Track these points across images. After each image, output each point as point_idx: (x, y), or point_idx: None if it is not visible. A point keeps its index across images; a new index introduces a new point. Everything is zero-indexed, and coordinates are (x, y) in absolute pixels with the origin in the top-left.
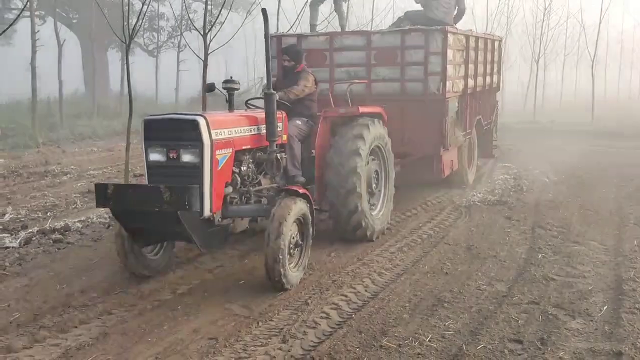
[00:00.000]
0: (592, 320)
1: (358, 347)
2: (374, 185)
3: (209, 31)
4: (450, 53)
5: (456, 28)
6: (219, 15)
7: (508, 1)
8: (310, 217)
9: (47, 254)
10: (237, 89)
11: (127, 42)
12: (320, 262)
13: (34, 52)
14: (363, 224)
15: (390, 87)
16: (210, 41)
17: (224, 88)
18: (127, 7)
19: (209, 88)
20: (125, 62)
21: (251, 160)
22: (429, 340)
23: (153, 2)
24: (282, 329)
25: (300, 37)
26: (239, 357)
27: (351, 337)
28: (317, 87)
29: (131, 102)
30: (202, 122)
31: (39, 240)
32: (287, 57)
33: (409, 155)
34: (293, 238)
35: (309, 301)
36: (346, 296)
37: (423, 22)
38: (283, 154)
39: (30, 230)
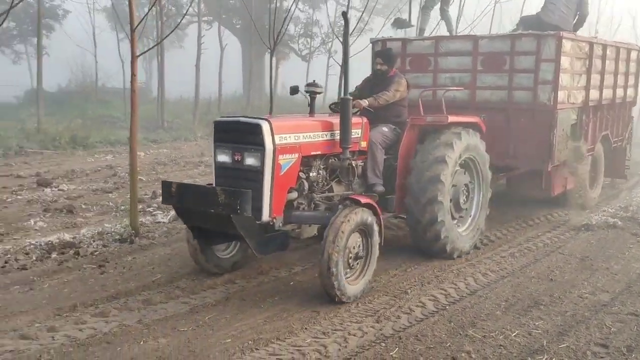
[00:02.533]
0: None
1: (444, 334)
2: (462, 200)
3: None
4: (565, 60)
5: (574, 34)
6: (358, 21)
7: None
8: (375, 229)
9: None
10: (320, 93)
11: (272, 47)
12: (426, 258)
13: (199, 54)
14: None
15: (497, 95)
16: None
17: (306, 91)
18: (274, 15)
19: (292, 91)
20: (270, 65)
21: (323, 167)
22: (514, 335)
23: (309, 9)
24: (378, 311)
25: (405, 41)
26: (335, 329)
27: (440, 324)
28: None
29: (272, 102)
30: (265, 126)
31: None
32: (380, 59)
33: (514, 169)
34: (353, 249)
35: (409, 291)
36: (445, 290)
37: (538, 28)
38: (359, 162)
39: None
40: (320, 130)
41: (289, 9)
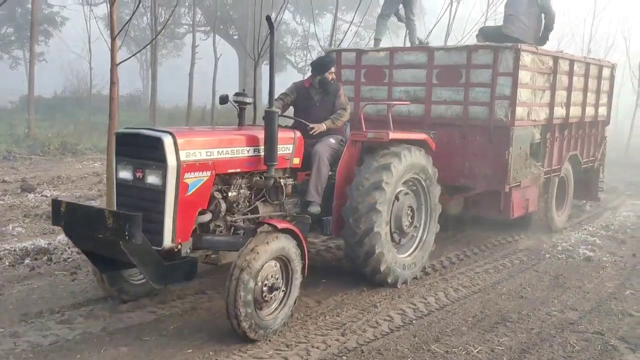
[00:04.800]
0: None
1: (407, 348)
2: (405, 224)
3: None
4: (525, 75)
5: (536, 47)
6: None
7: None
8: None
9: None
10: (249, 103)
11: (256, 58)
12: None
13: (192, 63)
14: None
15: (452, 110)
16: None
17: (235, 101)
18: (259, 26)
19: (221, 100)
20: (254, 75)
21: (246, 185)
22: (477, 352)
23: (306, 22)
24: (345, 324)
25: (359, 52)
26: (299, 342)
27: (405, 339)
28: None
29: (255, 113)
30: (167, 140)
31: None
32: (328, 69)
33: (470, 189)
34: (268, 280)
35: (378, 304)
36: (415, 305)
37: (499, 41)
38: (289, 180)
39: None
40: (241, 145)
41: (279, 21)
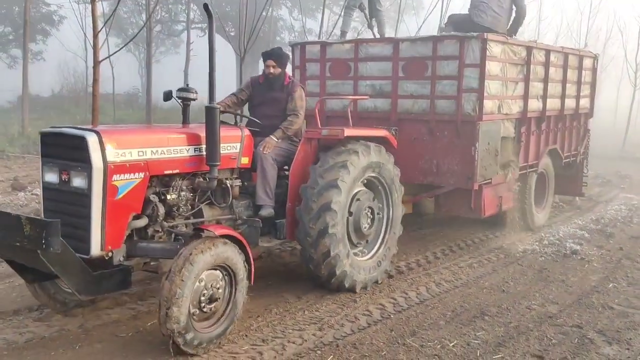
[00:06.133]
0: (628, 349)
1: (383, 342)
2: (364, 226)
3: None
4: (495, 66)
5: (506, 37)
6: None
7: None
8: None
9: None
10: (194, 99)
11: (242, 55)
12: None
13: (187, 60)
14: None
15: (419, 104)
16: None
17: (178, 97)
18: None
19: (165, 96)
20: (240, 71)
21: (188, 187)
22: (452, 345)
23: (303, 17)
24: (322, 319)
25: (324, 44)
26: (275, 336)
27: (381, 333)
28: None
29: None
30: (91, 139)
31: None
32: (272, 62)
33: (439, 187)
34: (205, 290)
35: (358, 299)
36: (395, 299)
37: (468, 29)
38: (236, 182)
39: None
40: (179, 145)
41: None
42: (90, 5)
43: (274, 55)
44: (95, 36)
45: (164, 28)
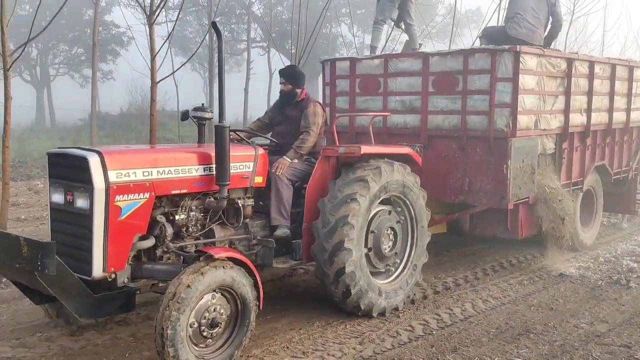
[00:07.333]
0: None
1: (422, 358)
2: (385, 247)
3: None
4: (530, 80)
5: (542, 49)
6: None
7: None
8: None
9: None
10: (209, 119)
11: None
12: (427, 281)
13: (247, 78)
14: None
15: (449, 120)
16: None
17: (193, 117)
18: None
19: (182, 116)
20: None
21: (198, 207)
22: None
23: (362, 33)
24: (364, 333)
25: (353, 60)
26: (316, 349)
27: (422, 348)
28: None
29: None
30: (93, 160)
31: None
32: (282, 79)
33: (471, 207)
34: (207, 314)
35: (401, 314)
36: (439, 315)
37: (502, 42)
38: (248, 201)
39: None
40: (187, 164)
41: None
42: (147, 29)
43: (283, 73)
44: (152, 58)
45: (226, 47)
